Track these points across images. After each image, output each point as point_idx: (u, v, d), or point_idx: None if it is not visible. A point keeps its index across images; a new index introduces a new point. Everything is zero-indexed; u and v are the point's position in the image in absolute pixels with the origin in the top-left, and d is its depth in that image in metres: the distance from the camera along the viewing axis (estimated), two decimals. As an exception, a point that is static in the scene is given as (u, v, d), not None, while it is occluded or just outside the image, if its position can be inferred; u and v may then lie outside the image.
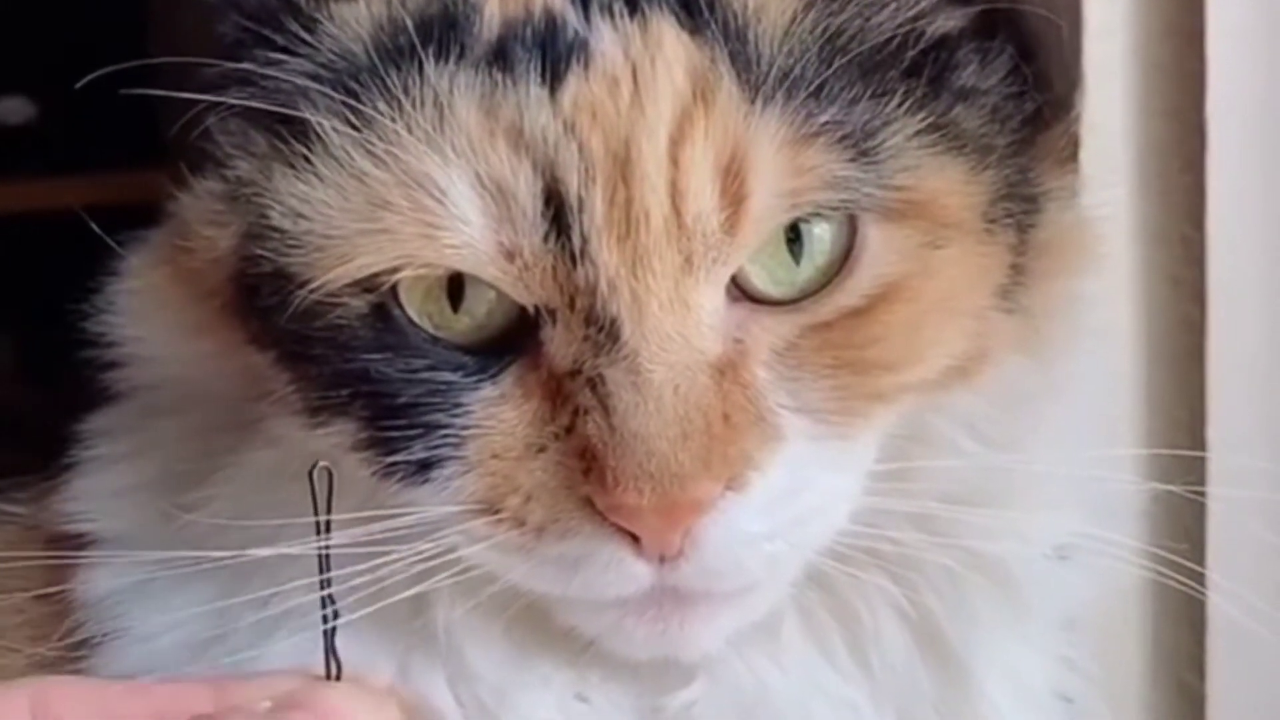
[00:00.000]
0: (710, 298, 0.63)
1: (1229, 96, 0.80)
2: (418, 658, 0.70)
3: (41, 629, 0.72)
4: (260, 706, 0.63)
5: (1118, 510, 0.73)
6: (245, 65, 0.67)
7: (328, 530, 0.64)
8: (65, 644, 0.72)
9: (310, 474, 0.63)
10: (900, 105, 0.66)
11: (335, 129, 0.65)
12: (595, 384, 0.63)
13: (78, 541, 0.74)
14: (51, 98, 1.85)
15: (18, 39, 1.77)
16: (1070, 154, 0.75)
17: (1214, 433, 0.82)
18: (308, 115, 0.66)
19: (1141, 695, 0.88)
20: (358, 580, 0.65)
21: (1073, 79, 0.78)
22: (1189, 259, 0.82)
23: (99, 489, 0.75)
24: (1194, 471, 0.80)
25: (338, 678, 0.64)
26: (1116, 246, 0.80)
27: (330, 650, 0.64)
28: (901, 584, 0.71)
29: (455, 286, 0.65)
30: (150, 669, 0.70)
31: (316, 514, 0.63)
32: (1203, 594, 0.76)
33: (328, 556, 0.64)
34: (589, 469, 0.62)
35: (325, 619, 0.64)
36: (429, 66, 0.64)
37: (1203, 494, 0.79)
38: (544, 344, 0.64)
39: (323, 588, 0.64)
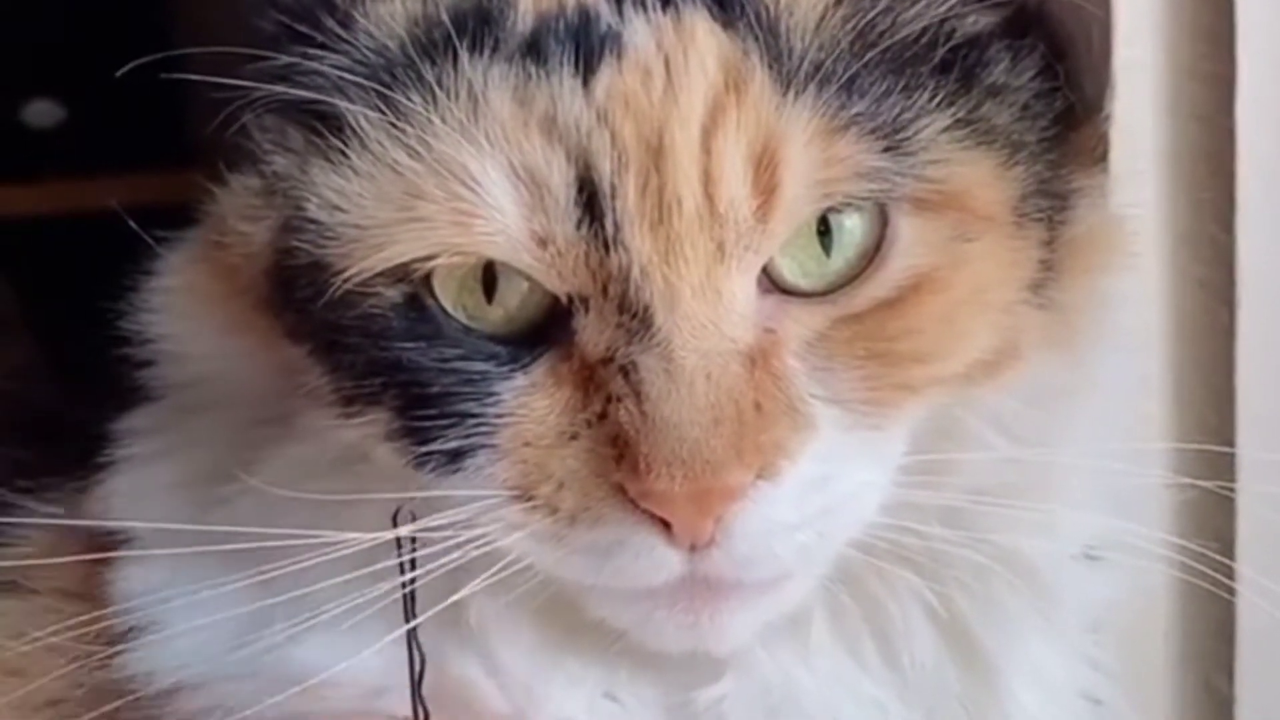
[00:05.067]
0: (742, 286, 0.64)
1: (1259, 100, 0.80)
2: (450, 650, 0.70)
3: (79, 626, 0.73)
4: None
5: (1146, 507, 0.73)
6: (282, 60, 0.68)
7: (412, 586, 0.64)
8: (101, 641, 0.72)
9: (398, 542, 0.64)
10: (931, 100, 0.66)
11: (371, 122, 0.66)
12: (627, 371, 0.63)
13: (114, 540, 0.74)
14: (80, 101, 1.86)
15: (45, 44, 1.78)
16: (1102, 153, 0.75)
17: (1243, 436, 0.82)
18: (344, 109, 0.66)
19: (1169, 698, 0.87)
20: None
21: (1103, 80, 0.78)
22: (1218, 261, 0.82)
23: (134, 487, 0.76)
24: (1223, 472, 0.80)
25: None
26: (1146, 248, 0.80)
27: (417, 695, 0.65)
28: (930, 580, 0.71)
29: (489, 277, 0.65)
30: (184, 666, 0.71)
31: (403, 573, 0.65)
32: (1232, 595, 0.76)
33: (413, 606, 0.65)
34: (621, 456, 0.63)
35: (411, 663, 0.65)
36: (464, 59, 0.65)
37: (1233, 491, 0.79)
38: (576, 332, 0.65)
39: (410, 634, 0.65)
